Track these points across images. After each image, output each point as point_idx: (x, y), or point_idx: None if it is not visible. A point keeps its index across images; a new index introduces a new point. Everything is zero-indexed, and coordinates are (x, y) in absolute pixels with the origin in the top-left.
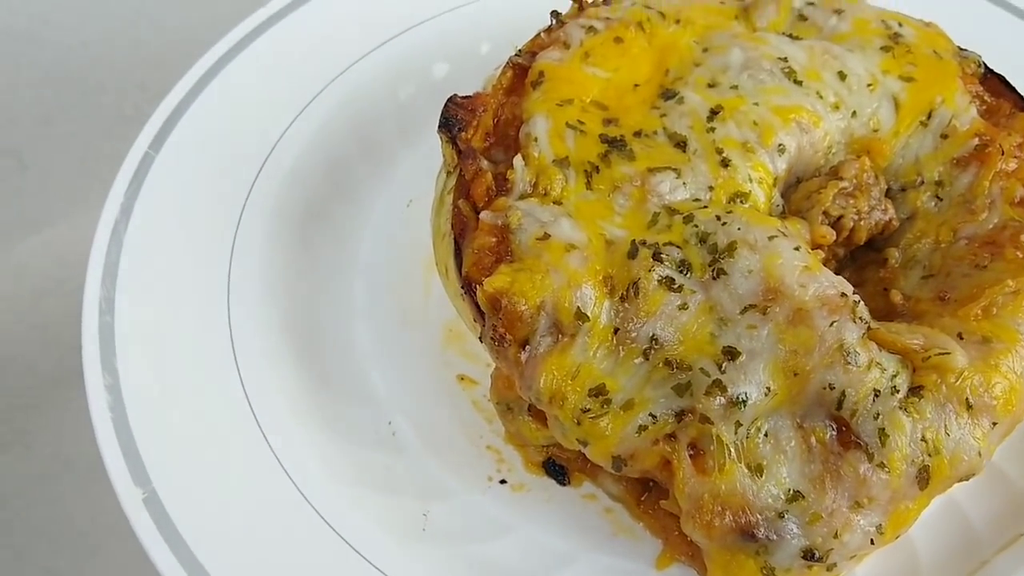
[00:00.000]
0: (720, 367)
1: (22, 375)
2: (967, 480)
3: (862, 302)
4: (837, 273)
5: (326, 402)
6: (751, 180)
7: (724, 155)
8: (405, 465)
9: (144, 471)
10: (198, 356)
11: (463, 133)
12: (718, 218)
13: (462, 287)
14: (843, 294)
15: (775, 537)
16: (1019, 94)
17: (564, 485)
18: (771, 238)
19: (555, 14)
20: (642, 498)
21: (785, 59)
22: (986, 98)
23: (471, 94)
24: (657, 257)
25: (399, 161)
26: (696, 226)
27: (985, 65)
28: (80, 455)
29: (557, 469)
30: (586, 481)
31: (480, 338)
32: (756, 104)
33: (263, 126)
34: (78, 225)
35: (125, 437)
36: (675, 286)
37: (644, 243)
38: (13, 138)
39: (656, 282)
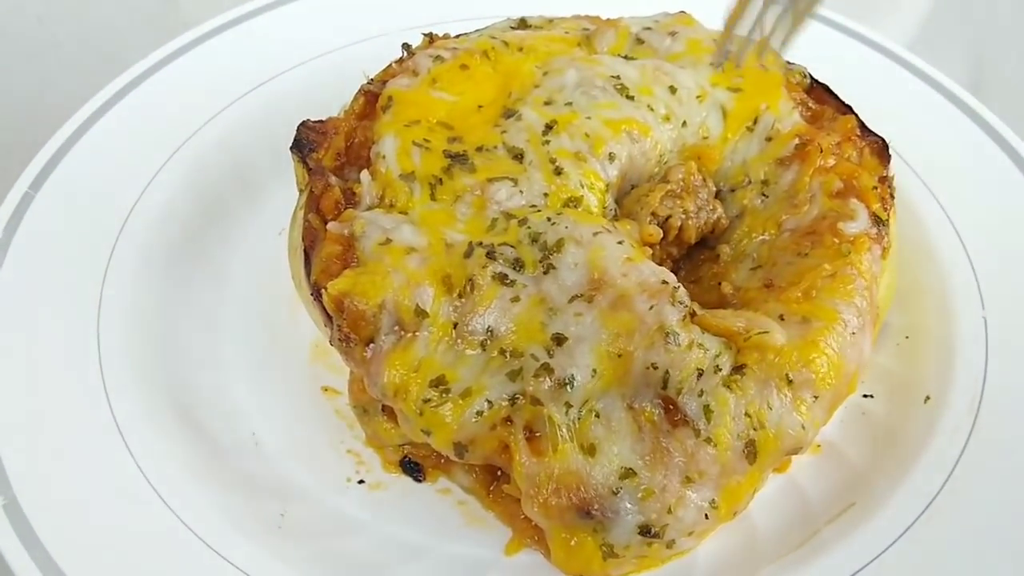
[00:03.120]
0: (549, 352)
1: None
2: (796, 453)
3: (682, 288)
4: (675, 271)
5: (191, 414)
6: (583, 186)
7: (557, 164)
8: (266, 471)
9: (6, 478)
10: (66, 372)
11: (314, 153)
12: (549, 220)
13: (312, 294)
14: (664, 281)
15: (611, 514)
16: (841, 100)
17: (420, 481)
18: (596, 234)
19: (406, 46)
20: (491, 488)
21: (618, 77)
22: (811, 104)
23: (324, 119)
24: (491, 255)
25: (272, 194)
26: (529, 227)
27: (811, 76)
28: None
29: (413, 466)
30: (441, 476)
31: (331, 342)
32: (588, 118)
33: (139, 165)
34: None
35: None
36: (508, 281)
37: (480, 244)
38: None
39: (490, 278)
